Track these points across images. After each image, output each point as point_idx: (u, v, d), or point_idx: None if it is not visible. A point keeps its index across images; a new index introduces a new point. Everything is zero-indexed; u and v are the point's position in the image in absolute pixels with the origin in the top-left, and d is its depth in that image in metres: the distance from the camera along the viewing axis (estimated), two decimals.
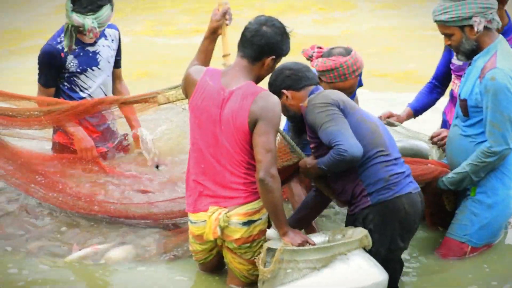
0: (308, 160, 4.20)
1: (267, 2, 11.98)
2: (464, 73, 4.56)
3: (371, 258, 4.01)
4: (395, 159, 4.15)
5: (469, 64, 4.52)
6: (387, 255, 4.12)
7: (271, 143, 3.97)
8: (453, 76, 5.04)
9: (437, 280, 4.45)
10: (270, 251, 3.98)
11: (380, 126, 4.20)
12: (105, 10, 5.16)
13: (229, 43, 4.35)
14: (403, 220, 4.12)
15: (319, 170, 4.12)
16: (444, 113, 5.18)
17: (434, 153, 5.07)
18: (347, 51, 4.50)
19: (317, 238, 4.14)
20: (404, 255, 4.40)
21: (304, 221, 4.46)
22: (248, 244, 4.09)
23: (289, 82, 4.25)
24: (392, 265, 4.15)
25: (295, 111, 4.26)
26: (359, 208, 4.13)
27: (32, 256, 4.51)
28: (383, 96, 7.53)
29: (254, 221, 4.07)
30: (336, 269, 3.89)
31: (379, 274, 3.97)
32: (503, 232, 4.77)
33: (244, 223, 4.05)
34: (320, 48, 4.60)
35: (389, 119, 4.97)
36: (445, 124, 5.12)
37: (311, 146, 4.24)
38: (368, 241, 4.00)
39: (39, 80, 5.26)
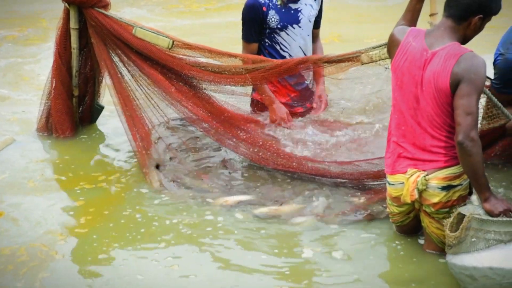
0: None
1: None
2: None
3: None
4: None
5: None
6: None
7: (472, 106, 3.82)
8: None
9: None
10: (461, 216, 3.86)
11: None
12: None
13: (436, 1, 4.23)
14: None
15: None
16: None
17: None
18: None
19: None
20: None
21: None
22: (446, 209, 4.00)
23: None
24: None
25: None
26: None
27: (228, 207, 4.65)
28: None
29: (454, 186, 3.97)
30: None
31: None
32: None
33: (443, 188, 3.97)
34: None
35: None
36: None
37: None
38: None
39: (243, 37, 5.32)
